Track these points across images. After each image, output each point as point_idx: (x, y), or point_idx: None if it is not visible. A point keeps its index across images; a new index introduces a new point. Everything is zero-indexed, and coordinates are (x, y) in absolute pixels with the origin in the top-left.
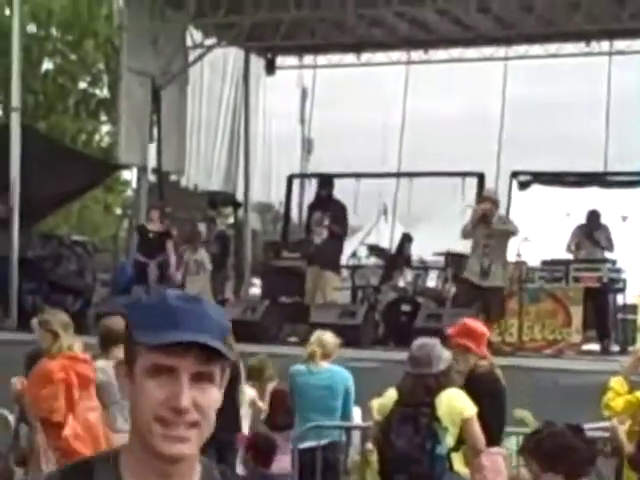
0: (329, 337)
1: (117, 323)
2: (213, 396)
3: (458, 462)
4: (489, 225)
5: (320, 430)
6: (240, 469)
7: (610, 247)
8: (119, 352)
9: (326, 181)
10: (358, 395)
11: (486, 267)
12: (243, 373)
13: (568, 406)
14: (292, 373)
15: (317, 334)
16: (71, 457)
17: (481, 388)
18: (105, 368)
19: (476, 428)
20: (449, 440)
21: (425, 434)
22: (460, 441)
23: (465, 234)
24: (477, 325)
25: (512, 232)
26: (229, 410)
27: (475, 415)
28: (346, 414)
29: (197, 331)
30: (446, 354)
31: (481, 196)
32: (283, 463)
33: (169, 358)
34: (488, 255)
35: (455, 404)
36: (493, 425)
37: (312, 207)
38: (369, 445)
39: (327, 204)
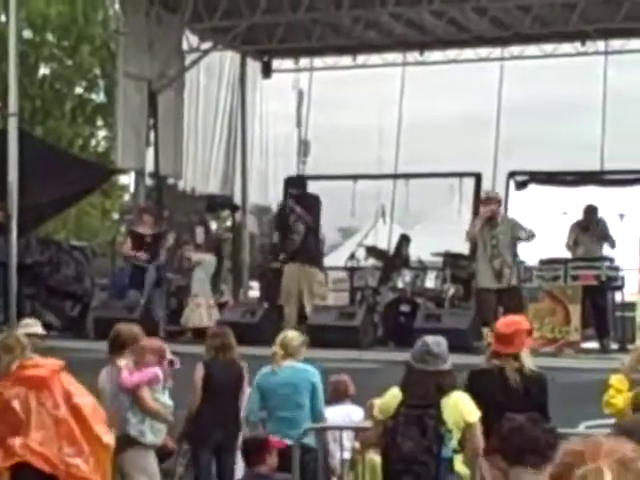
0: (292, 336)
1: (129, 328)
2: None
3: (459, 463)
4: (495, 226)
5: (289, 427)
6: (240, 469)
7: (607, 238)
8: (123, 359)
9: (295, 182)
10: (359, 396)
11: (498, 268)
12: (247, 376)
13: (567, 404)
14: (257, 377)
15: (282, 334)
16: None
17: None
18: (103, 375)
19: (478, 433)
20: (453, 442)
21: (432, 437)
22: (461, 443)
23: (471, 237)
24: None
25: (522, 238)
26: (231, 411)
27: (478, 420)
28: (315, 412)
29: None
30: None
31: (484, 197)
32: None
33: None
34: (498, 256)
35: (461, 408)
36: None
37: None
38: (356, 444)
39: (300, 199)
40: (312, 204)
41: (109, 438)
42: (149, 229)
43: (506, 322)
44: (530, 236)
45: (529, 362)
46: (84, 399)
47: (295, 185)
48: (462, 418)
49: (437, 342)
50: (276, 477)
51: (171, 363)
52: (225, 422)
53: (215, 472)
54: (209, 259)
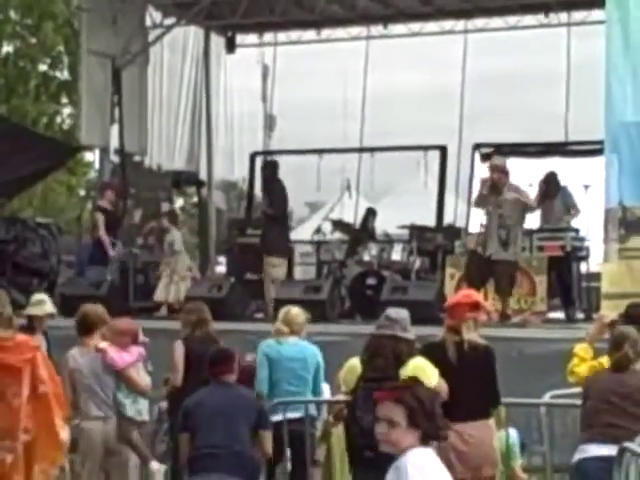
0: (297, 312)
1: (95, 309)
2: None
3: None
4: (500, 194)
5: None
6: None
7: (572, 207)
8: (94, 340)
9: (267, 164)
10: (325, 369)
11: (504, 238)
12: None
13: (534, 374)
14: (262, 347)
15: (284, 311)
16: None
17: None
18: (75, 355)
19: (442, 393)
20: None
21: None
22: None
23: (478, 203)
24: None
25: (526, 203)
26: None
27: (439, 381)
28: (316, 389)
29: None
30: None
31: (488, 165)
32: None
33: None
34: (504, 226)
35: (420, 375)
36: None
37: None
38: (330, 417)
39: (268, 186)
40: (279, 195)
41: (65, 435)
42: (109, 205)
43: (455, 295)
44: (528, 202)
45: (471, 335)
46: (50, 388)
47: (264, 168)
48: None
49: (396, 310)
50: (243, 389)
51: (144, 344)
52: None
53: None
54: (172, 238)
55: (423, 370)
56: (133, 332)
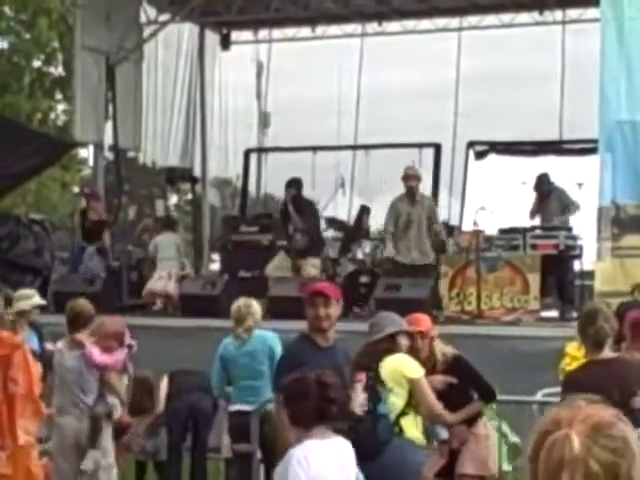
0: (256, 306)
1: (84, 305)
2: None
3: (411, 427)
4: (412, 203)
5: (251, 395)
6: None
7: (568, 206)
8: (83, 336)
9: (292, 182)
10: None
11: (416, 244)
12: None
13: (527, 372)
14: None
15: (244, 305)
16: None
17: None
18: (63, 350)
19: (421, 389)
20: (397, 402)
21: (366, 394)
22: (409, 404)
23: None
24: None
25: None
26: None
27: (421, 378)
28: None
29: None
30: (398, 319)
31: (403, 173)
32: None
33: None
34: (417, 232)
35: (397, 365)
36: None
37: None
38: None
39: (298, 205)
40: (313, 216)
41: (26, 439)
42: (95, 215)
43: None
44: (440, 232)
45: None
46: (21, 388)
47: (290, 185)
48: (402, 375)
49: (372, 319)
50: None
51: (129, 347)
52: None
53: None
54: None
55: (404, 363)
56: (119, 335)
